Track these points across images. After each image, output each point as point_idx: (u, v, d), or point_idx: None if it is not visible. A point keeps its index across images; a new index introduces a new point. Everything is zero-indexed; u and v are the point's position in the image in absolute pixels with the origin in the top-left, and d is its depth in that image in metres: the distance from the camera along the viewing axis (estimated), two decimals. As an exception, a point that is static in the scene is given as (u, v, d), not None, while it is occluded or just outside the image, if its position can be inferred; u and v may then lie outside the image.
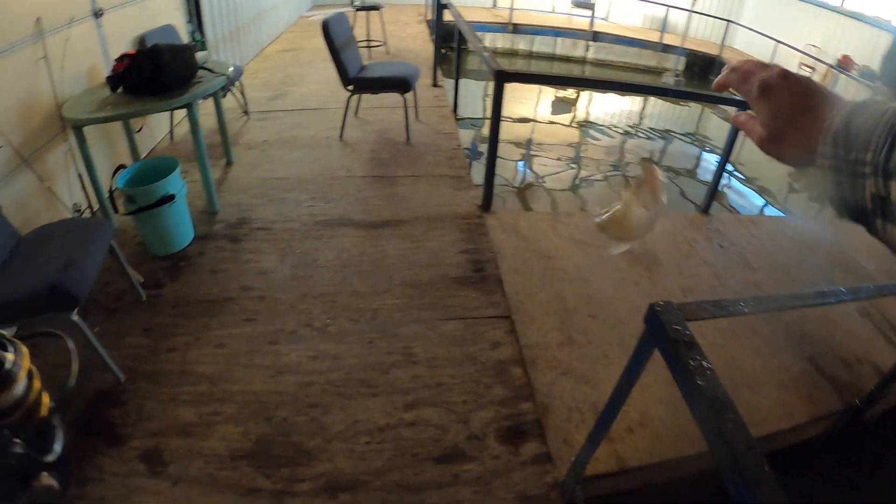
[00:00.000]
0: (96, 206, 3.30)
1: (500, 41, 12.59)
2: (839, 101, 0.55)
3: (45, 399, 0.56)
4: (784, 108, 0.57)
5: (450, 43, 7.94)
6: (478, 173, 4.03)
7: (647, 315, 1.32)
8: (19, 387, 0.55)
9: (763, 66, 0.61)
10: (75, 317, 2.10)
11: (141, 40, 4.06)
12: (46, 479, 0.53)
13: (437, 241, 3.22)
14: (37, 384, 0.59)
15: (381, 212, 3.53)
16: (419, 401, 2.24)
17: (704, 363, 1.14)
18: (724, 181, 6.04)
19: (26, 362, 0.60)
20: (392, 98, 4.59)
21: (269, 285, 2.86)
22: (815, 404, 2.38)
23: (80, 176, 3.11)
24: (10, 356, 0.58)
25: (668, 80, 11.13)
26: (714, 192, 3.79)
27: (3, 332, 0.68)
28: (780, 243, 3.51)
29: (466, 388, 2.29)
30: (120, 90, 3.12)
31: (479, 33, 4.42)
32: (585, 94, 9.84)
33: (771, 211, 6.23)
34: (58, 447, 0.55)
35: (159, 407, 2.22)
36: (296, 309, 2.70)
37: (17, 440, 0.57)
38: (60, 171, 3.11)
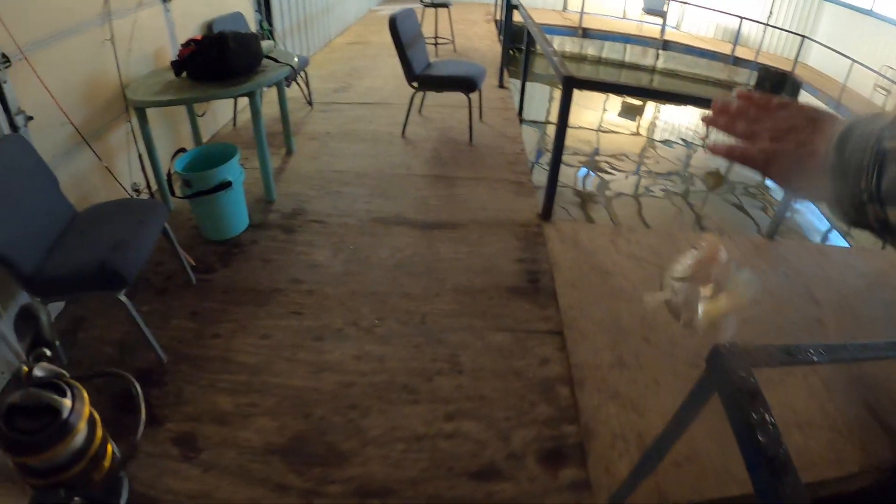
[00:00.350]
0: (154, 187, 3.37)
1: (569, 45, 12.47)
2: (831, 125, 0.58)
3: (110, 448, 0.54)
4: (784, 166, 0.61)
5: (517, 44, 7.88)
6: (538, 177, 3.95)
7: (709, 356, 1.24)
8: (79, 437, 0.51)
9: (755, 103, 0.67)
10: (122, 297, 2.13)
11: (209, 26, 4.14)
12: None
13: (493, 247, 3.17)
14: (99, 432, 0.56)
15: (438, 213, 3.49)
16: (460, 412, 2.18)
17: (768, 417, 1.05)
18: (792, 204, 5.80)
19: (86, 408, 0.56)
20: (456, 97, 4.56)
21: (319, 279, 2.86)
22: (868, 454, 2.22)
23: (140, 156, 3.18)
24: (67, 402, 0.54)
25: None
26: (782, 217, 3.62)
27: (63, 371, 0.64)
28: (846, 277, 3.32)
29: (510, 404, 2.23)
30: (184, 75, 3.18)
31: (548, 36, 4.35)
32: (653, 103, 9.63)
33: (837, 238, 5.97)
34: (124, 498, 0.52)
35: (198, 392, 2.23)
36: (344, 306, 2.68)
37: (78, 498, 0.54)
38: (121, 150, 3.19)
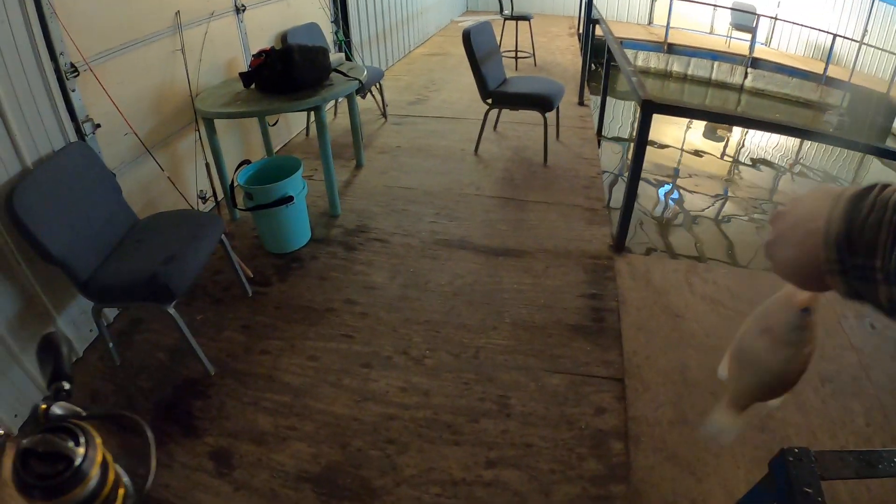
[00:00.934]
0: (221, 196, 3.46)
1: (654, 61, 12.18)
2: (832, 200, 0.54)
3: (122, 492, 0.55)
4: (784, 262, 0.60)
5: (600, 59, 7.76)
6: (619, 194, 3.80)
7: (774, 461, 1.13)
8: (91, 483, 0.52)
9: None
10: (171, 310, 2.19)
11: (283, 37, 4.23)
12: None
13: (558, 279, 3.08)
14: (111, 475, 0.56)
15: (504, 238, 3.44)
16: (503, 459, 2.09)
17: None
18: None
19: (99, 454, 0.57)
20: (533, 114, 4.49)
21: (374, 302, 2.86)
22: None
23: (207, 165, 3.27)
24: (80, 451, 0.54)
25: (832, 120, 10.20)
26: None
27: (80, 410, 0.65)
28: None
29: (557, 456, 2.11)
30: (253, 86, 3.25)
31: (630, 51, 4.23)
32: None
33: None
34: None
35: (240, 408, 2.26)
36: (396, 333, 2.66)
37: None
38: (189, 158, 3.30)
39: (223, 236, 2.57)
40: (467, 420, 2.25)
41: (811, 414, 2.29)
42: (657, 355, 2.60)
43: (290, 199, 2.96)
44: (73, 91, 2.45)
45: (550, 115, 4.45)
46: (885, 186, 0.49)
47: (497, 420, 2.25)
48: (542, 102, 4.28)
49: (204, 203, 3.39)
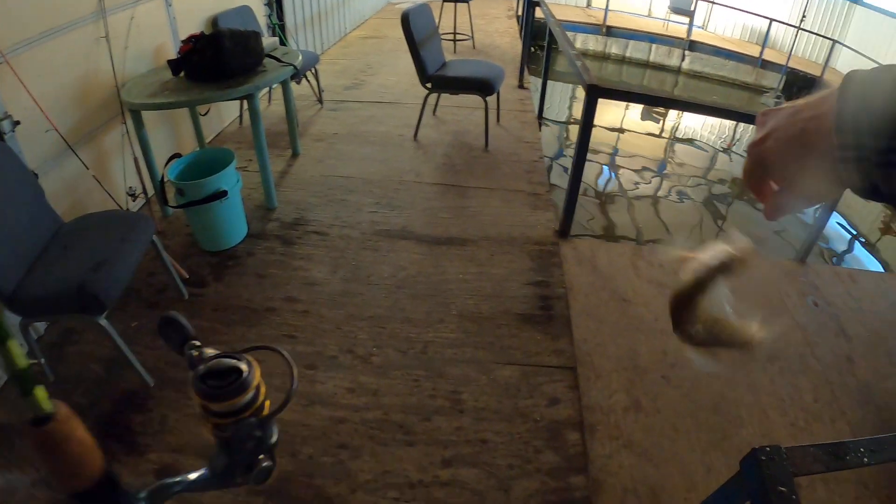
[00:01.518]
0: (151, 191, 3.30)
1: (592, 43, 12.35)
2: (829, 92, 0.49)
3: (268, 403, 0.67)
4: (781, 157, 0.53)
5: (539, 41, 7.77)
6: (556, 178, 3.78)
7: (746, 459, 1.14)
8: (251, 392, 0.69)
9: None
10: (103, 320, 2.07)
11: (214, 21, 4.06)
12: (265, 460, 0.66)
13: (504, 267, 3.06)
14: (263, 390, 0.69)
15: (447, 227, 3.40)
16: (459, 458, 2.07)
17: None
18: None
19: (257, 373, 0.68)
20: (473, 98, 4.44)
21: (315, 299, 2.78)
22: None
23: (135, 160, 3.10)
24: (244, 367, 0.67)
25: (769, 102, 10.53)
26: (814, 240, 3.48)
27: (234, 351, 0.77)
28: (879, 307, 3.14)
29: (513, 450, 2.11)
30: (182, 74, 3.10)
31: (569, 34, 4.22)
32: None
33: (871, 261, 5.82)
34: (275, 437, 0.68)
35: (183, 421, 2.17)
36: (340, 331, 2.60)
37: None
38: (116, 153, 3.13)
39: (155, 236, 2.45)
40: (419, 419, 2.21)
41: (761, 392, 2.36)
42: (607, 342, 2.63)
43: (224, 193, 2.84)
44: None
45: (491, 99, 4.42)
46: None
47: (450, 417, 2.23)
48: (482, 86, 4.23)
49: (133, 201, 3.23)
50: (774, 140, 0.53)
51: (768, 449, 1.11)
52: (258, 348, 0.78)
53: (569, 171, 3.27)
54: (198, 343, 0.81)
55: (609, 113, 8.54)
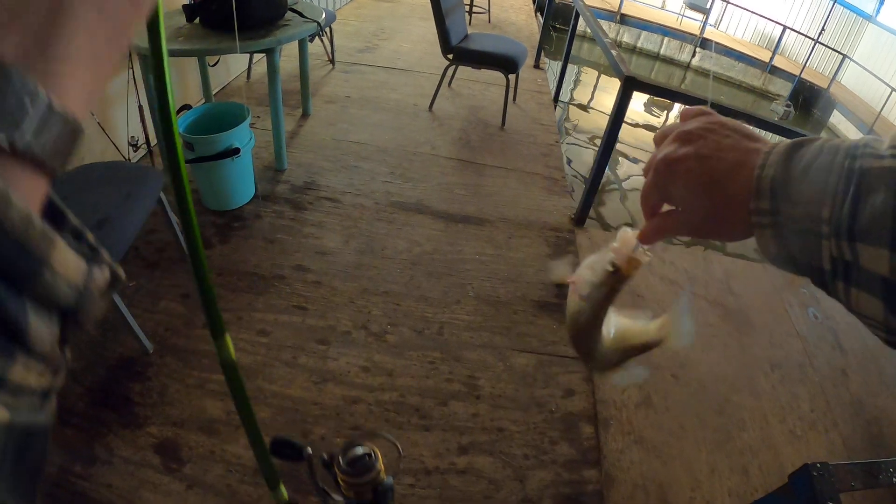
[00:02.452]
0: (154, 142, 3.16)
1: (605, 30, 12.24)
2: (761, 144, 0.48)
3: (382, 477, 0.91)
4: (693, 187, 0.50)
5: (554, 22, 7.62)
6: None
7: (797, 474, 1.15)
8: (377, 469, 0.89)
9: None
10: (102, 282, 1.94)
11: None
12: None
13: (521, 251, 2.97)
14: (380, 467, 0.91)
15: (463, 204, 3.29)
16: (475, 445, 2.02)
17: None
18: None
19: (378, 452, 0.92)
20: (490, 73, 4.32)
21: (327, 269, 2.67)
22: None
23: (140, 107, 2.95)
24: (368, 449, 0.93)
25: (778, 110, 10.52)
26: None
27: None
28: None
29: (529, 440, 2.07)
30: (196, 21, 2.93)
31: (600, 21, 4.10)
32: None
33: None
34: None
35: (184, 392, 2.06)
36: (354, 305, 2.49)
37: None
38: (120, 99, 2.97)
39: (162, 193, 2.31)
40: (436, 403, 2.14)
41: (763, 398, 2.41)
42: None
43: (236, 151, 2.70)
44: None
45: (511, 78, 4.28)
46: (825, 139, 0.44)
47: (467, 402, 2.17)
48: (507, 63, 4.09)
49: (135, 151, 3.09)
50: (696, 162, 0.49)
51: (818, 465, 1.15)
52: (371, 436, 0.92)
53: (595, 160, 3.17)
54: (309, 449, 0.95)
55: (607, 99, 8.48)
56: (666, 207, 0.56)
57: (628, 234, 0.61)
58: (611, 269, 0.61)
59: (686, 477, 2.04)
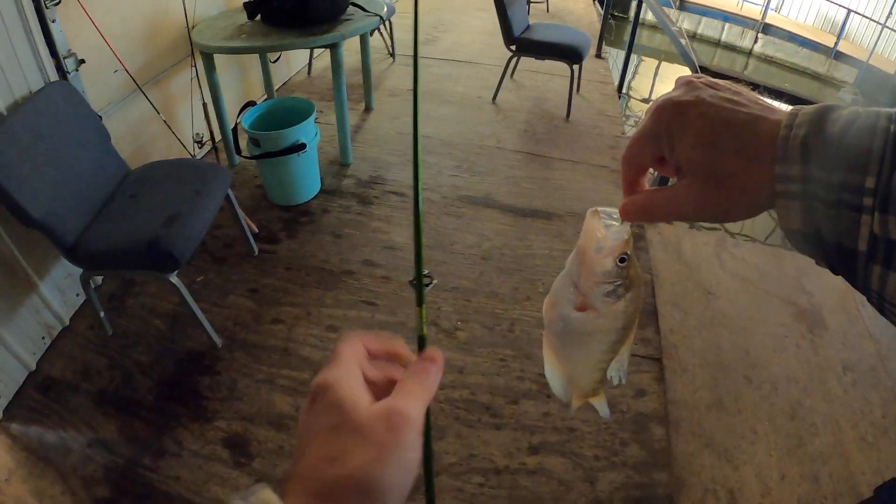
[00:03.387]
0: (219, 138, 3.19)
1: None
2: (779, 113, 0.40)
3: None
4: (706, 135, 0.41)
5: (612, 10, 7.45)
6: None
7: (884, 488, 1.16)
8: None
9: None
10: (174, 278, 1.97)
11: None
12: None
13: (591, 247, 2.89)
14: None
15: (531, 198, 3.23)
16: (546, 445, 1.99)
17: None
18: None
19: None
20: (552, 64, 4.24)
21: (396, 265, 2.65)
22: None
23: (204, 104, 2.98)
24: None
25: (846, 97, 10.07)
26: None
27: None
28: None
29: (600, 441, 2.03)
30: (258, 18, 2.96)
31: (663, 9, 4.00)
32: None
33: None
34: None
35: (254, 387, 2.08)
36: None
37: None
38: (184, 97, 3.02)
39: (229, 190, 2.33)
40: (507, 401, 2.12)
41: (835, 403, 2.32)
42: (692, 335, 2.56)
43: (302, 146, 2.72)
44: (54, 22, 2.09)
45: (575, 68, 4.20)
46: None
47: (538, 402, 2.13)
48: (571, 54, 4.01)
49: (200, 147, 3.13)
50: (711, 108, 0.41)
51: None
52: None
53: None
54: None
55: (661, 87, 8.31)
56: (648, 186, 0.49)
57: (600, 221, 0.51)
58: (619, 261, 0.49)
59: (756, 483, 1.99)
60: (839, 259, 0.38)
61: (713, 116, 0.41)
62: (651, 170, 0.48)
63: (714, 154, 0.40)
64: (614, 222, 0.51)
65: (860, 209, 0.35)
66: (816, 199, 0.37)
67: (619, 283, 0.50)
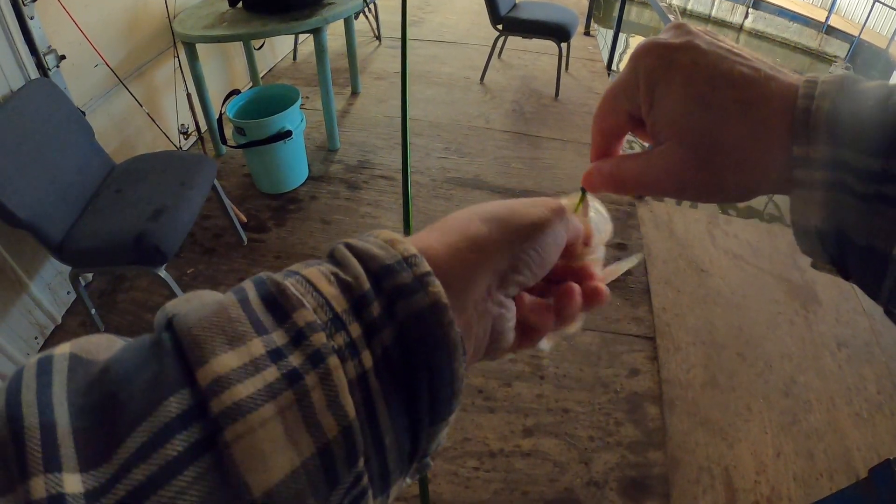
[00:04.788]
0: (204, 128, 3.18)
1: (653, -9, 11.98)
2: (790, 76, 0.33)
3: None
4: (698, 89, 0.33)
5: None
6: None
7: (877, 469, 1.13)
8: None
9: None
10: (163, 272, 1.98)
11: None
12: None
13: (582, 226, 2.90)
14: None
15: (521, 179, 3.24)
16: (540, 427, 2.02)
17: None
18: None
19: None
20: (540, 42, 4.24)
21: (386, 249, 2.64)
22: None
23: (188, 95, 2.97)
24: None
25: (837, 72, 10.06)
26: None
27: None
28: None
29: (594, 422, 2.06)
30: (239, 5, 2.94)
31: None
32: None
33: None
34: None
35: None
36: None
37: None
38: (168, 88, 3.01)
39: (215, 180, 2.33)
40: (500, 384, 2.14)
41: (829, 379, 2.34)
42: (685, 313, 2.58)
43: (288, 133, 2.71)
44: (32, 18, 2.07)
45: (562, 46, 4.18)
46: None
47: (531, 383, 2.16)
48: (559, 32, 3.99)
49: (186, 138, 3.12)
50: (705, 56, 0.33)
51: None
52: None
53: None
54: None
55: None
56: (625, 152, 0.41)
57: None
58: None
59: (751, 460, 2.02)
60: (864, 264, 0.31)
61: (709, 66, 0.33)
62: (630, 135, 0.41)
63: (707, 116, 0.33)
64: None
65: (886, 179, 0.28)
66: (847, 190, 0.30)
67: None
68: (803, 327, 2.60)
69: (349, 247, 0.30)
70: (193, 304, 0.26)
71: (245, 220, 2.75)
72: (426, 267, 0.28)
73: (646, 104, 0.35)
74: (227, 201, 2.49)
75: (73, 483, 0.20)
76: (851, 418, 2.20)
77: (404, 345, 0.27)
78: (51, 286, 2.27)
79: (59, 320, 2.32)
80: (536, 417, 2.04)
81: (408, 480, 0.30)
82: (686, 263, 2.86)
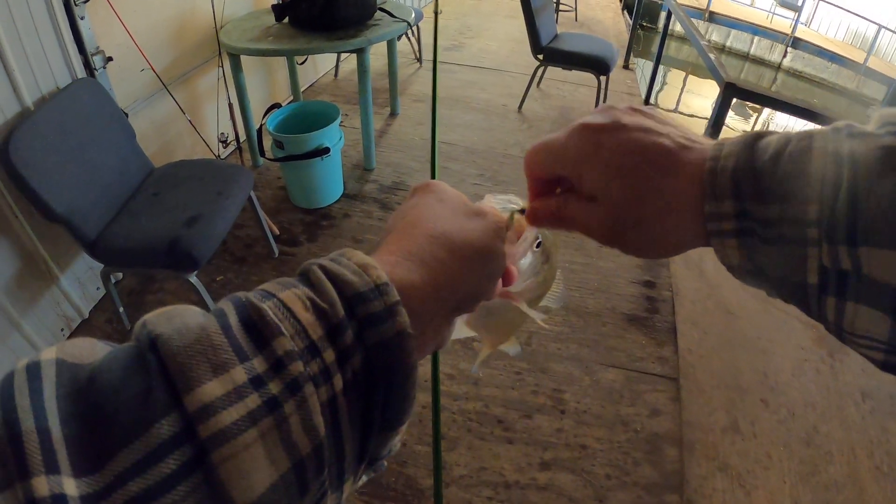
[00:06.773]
0: (243, 139, 3.24)
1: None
2: (705, 143, 0.38)
3: None
4: (618, 164, 0.38)
5: (642, 21, 7.43)
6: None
7: None
8: None
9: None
10: (194, 278, 2.01)
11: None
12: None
13: (611, 261, 2.90)
14: None
15: (553, 210, 3.22)
16: (557, 461, 2.00)
17: None
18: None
19: None
20: (579, 74, 4.27)
21: (415, 272, 2.66)
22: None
23: (230, 105, 3.03)
24: None
25: (873, 115, 9.92)
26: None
27: None
28: None
29: (612, 460, 2.03)
30: (285, 20, 3.00)
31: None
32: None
33: None
34: None
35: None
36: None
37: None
38: (210, 97, 3.07)
39: (252, 192, 2.37)
40: (520, 415, 2.13)
41: (852, 430, 2.29)
42: (711, 356, 2.54)
43: (326, 150, 2.75)
44: (82, 19, 2.13)
45: (601, 79, 4.20)
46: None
47: (551, 417, 2.14)
48: (599, 65, 4.03)
49: (225, 147, 3.17)
50: (628, 135, 0.38)
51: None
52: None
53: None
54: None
55: (695, 102, 8.24)
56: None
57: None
58: (536, 246, 0.50)
59: None
60: (788, 292, 0.36)
61: (630, 141, 0.38)
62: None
63: (626, 186, 0.38)
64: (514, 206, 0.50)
65: (805, 242, 0.33)
66: (754, 235, 0.35)
67: (541, 262, 0.51)
68: (829, 376, 2.56)
69: (323, 269, 0.32)
70: (175, 324, 0.27)
71: (278, 232, 2.78)
72: (395, 296, 0.32)
73: (575, 177, 0.41)
74: (261, 213, 2.53)
75: (70, 486, 0.22)
76: (872, 472, 2.15)
77: (369, 368, 0.30)
78: (81, 280, 2.31)
79: (87, 315, 2.36)
80: (554, 451, 2.02)
81: (359, 481, 0.34)
82: (714, 304, 2.82)
